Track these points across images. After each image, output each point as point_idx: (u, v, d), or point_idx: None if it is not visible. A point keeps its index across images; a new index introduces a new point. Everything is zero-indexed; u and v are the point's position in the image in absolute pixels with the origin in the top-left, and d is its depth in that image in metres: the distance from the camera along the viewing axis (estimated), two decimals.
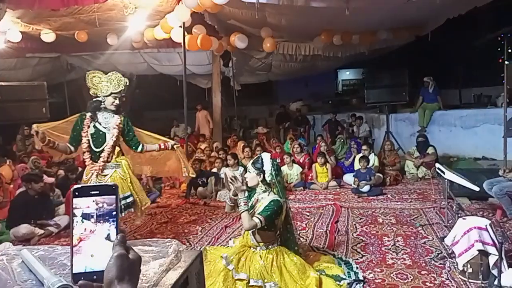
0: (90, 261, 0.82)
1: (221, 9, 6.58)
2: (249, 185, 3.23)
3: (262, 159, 3.25)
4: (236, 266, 3.02)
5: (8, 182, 6.33)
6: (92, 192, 0.85)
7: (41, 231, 4.79)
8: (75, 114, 4.11)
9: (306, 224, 4.81)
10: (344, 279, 3.14)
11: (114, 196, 0.85)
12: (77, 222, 0.83)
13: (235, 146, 8.72)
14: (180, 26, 6.66)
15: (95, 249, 0.83)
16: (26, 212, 4.77)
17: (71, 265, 0.82)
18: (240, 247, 3.25)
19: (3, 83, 7.30)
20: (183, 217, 5.43)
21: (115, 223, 0.85)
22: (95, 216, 0.84)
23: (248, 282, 2.90)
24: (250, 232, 3.12)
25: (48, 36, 7.69)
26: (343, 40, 8.43)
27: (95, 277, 0.79)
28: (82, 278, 0.80)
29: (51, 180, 6.00)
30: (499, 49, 6.27)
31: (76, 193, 0.84)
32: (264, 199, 3.14)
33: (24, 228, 4.65)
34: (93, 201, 0.84)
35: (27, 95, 7.15)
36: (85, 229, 0.83)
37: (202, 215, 5.48)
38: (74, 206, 0.84)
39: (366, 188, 6.13)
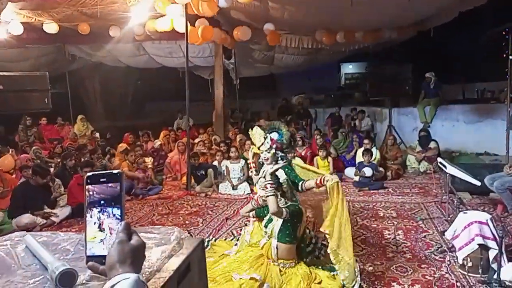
0: (97, 246, 0.88)
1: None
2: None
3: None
4: (250, 268, 3.01)
5: (11, 172, 6.36)
6: (101, 180, 0.89)
7: (43, 221, 4.84)
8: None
9: (306, 217, 4.81)
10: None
11: (118, 184, 0.88)
12: (89, 208, 0.89)
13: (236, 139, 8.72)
14: (182, 15, 6.61)
15: (101, 235, 0.89)
16: (25, 202, 4.80)
17: (85, 247, 0.88)
18: (257, 258, 3.15)
19: (5, 73, 7.29)
20: (184, 209, 5.45)
21: (109, 212, 0.88)
22: (95, 205, 0.89)
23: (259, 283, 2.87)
24: (273, 244, 3.03)
25: (50, 27, 7.66)
26: (346, 38, 8.39)
27: (103, 260, 0.83)
28: (93, 260, 0.87)
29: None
30: (503, 44, 6.20)
31: (88, 181, 0.89)
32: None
33: (26, 218, 4.69)
34: (90, 191, 0.89)
35: (29, 86, 7.13)
36: (92, 216, 0.89)
37: (203, 207, 5.50)
38: (85, 193, 0.89)
39: (368, 172, 6.12)
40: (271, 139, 3.38)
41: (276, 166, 3.10)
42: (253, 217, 3.44)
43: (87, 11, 6.91)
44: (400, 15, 7.46)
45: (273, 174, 3.05)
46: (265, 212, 3.21)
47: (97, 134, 9.78)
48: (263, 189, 3.07)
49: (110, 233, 0.87)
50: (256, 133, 3.49)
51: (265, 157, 3.34)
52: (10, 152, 6.91)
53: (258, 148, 3.51)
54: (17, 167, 6.40)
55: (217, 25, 8.01)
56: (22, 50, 9.67)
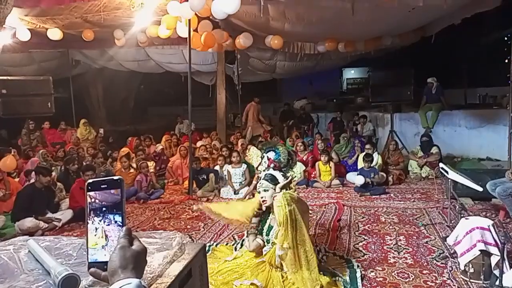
0: (99, 252, 0.89)
1: None
2: (268, 204, 3.15)
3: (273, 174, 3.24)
4: (251, 276, 3.01)
5: (13, 173, 6.39)
6: (102, 186, 0.90)
7: (46, 225, 4.85)
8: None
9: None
10: (340, 276, 3.15)
11: (119, 189, 0.89)
12: (90, 215, 0.89)
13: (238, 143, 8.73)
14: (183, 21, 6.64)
15: (102, 241, 0.89)
16: (30, 205, 4.82)
17: (87, 254, 0.89)
18: (259, 265, 3.14)
19: (9, 78, 7.35)
20: (185, 213, 5.45)
21: (110, 219, 0.89)
22: (97, 211, 0.90)
23: None
24: (278, 253, 3.00)
25: (54, 33, 7.72)
26: (347, 48, 8.45)
27: (105, 266, 0.84)
28: (95, 266, 0.88)
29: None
30: (505, 49, 6.21)
31: (89, 187, 0.90)
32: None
33: (29, 222, 4.71)
34: (91, 197, 0.89)
35: (33, 90, 7.19)
36: (93, 223, 0.89)
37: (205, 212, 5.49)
38: (87, 199, 0.90)
39: (360, 181, 6.11)
40: (268, 159, 3.34)
41: (286, 181, 3.15)
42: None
43: (91, 19, 6.95)
44: (402, 22, 7.47)
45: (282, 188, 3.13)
46: (263, 224, 3.21)
47: (101, 131, 9.86)
48: (264, 191, 3.14)
49: (111, 239, 0.88)
50: (253, 153, 3.47)
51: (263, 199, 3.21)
52: (12, 153, 6.95)
53: (256, 168, 3.51)
54: (19, 167, 6.43)
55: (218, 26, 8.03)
56: (26, 55, 9.75)
